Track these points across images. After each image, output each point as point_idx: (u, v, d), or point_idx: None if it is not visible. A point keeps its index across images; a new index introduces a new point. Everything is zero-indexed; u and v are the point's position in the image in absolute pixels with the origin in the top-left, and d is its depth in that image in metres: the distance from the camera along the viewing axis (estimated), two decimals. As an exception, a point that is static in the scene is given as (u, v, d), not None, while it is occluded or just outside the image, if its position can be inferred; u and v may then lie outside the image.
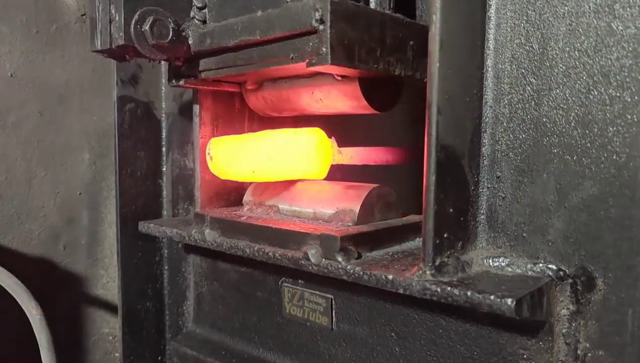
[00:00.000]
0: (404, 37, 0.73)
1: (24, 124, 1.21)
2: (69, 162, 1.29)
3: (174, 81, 0.88)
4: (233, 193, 1.01)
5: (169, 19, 0.78)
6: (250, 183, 0.98)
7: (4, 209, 1.19)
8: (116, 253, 1.16)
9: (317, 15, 0.64)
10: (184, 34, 0.80)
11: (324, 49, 0.64)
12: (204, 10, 0.85)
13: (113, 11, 0.77)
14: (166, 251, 1.19)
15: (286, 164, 0.86)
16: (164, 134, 1.18)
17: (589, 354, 0.62)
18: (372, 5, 0.77)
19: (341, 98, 0.81)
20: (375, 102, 0.80)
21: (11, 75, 1.18)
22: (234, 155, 0.90)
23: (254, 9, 0.76)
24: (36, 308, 0.96)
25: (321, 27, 0.64)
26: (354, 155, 0.88)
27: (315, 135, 0.85)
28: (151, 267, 1.18)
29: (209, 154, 0.92)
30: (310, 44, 0.67)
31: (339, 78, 0.78)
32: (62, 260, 1.30)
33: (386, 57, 0.71)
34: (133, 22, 0.75)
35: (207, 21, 0.85)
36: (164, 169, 1.18)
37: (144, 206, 1.16)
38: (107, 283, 1.39)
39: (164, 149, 1.18)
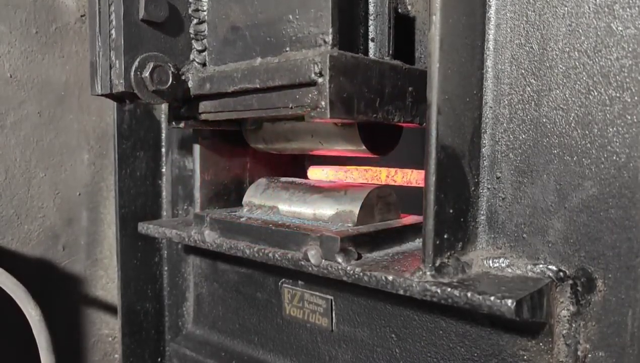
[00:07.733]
0: (402, 85, 0.72)
1: (23, 124, 1.21)
2: (69, 162, 1.29)
3: (174, 123, 0.88)
4: (233, 194, 1.01)
5: (169, 64, 0.77)
6: (250, 184, 0.98)
7: (3, 209, 1.18)
8: (116, 254, 1.16)
9: (316, 68, 0.63)
10: (183, 77, 0.80)
11: (322, 103, 0.64)
12: (203, 53, 0.84)
13: (113, 57, 0.76)
14: (166, 252, 1.19)
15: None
16: (163, 134, 1.18)
17: (589, 355, 0.62)
18: (372, 52, 0.76)
19: (340, 142, 0.82)
20: (374, 147, 0.81)
21: (10, 76, 1.18)
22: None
23: (253, 55, 0.76)
24: (35, 309, 0.96)
25: (320, 80, 0.64)
26: None
27: None
28: (151, 267, 1.18)
29: None
30: (310, 95, 0.66)
31: (339, 124, 0.78)
32: (62, 260, 1.30)
33: (385, 107, 0.70)
34: (133, 68, 0.75)
35: (207, 64, 0.84)
36: (164, 170, 1.18)
37: (144, 206, 1.16)
38: (107, 284, 1.38)
39: (163, 150, 1.18)
